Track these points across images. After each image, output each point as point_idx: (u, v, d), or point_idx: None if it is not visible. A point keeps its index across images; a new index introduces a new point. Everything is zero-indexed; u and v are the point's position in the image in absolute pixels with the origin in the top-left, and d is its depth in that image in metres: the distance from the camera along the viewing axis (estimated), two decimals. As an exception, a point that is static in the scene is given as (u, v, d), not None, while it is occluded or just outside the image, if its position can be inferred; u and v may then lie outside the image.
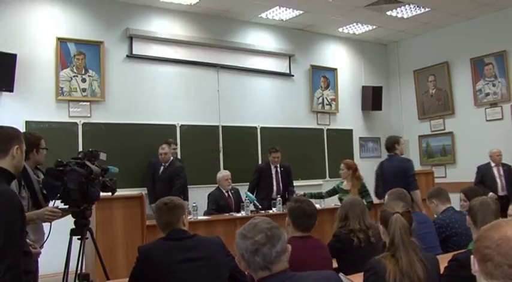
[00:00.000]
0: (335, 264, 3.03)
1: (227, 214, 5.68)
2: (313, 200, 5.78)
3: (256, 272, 1.66)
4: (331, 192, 5.78)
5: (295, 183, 6.73)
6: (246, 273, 2.43)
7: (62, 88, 6.07)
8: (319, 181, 7.94)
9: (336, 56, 8.67)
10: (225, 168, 6.97)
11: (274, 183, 6.37)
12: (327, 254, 2.81)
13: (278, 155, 6.35)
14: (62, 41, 6.09)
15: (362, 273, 2.20)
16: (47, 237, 2.98)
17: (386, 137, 5.83)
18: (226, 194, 6.03)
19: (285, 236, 1.72)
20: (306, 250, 2.53)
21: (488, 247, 1.13)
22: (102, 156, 3.25)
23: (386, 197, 3.68)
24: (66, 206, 3.07)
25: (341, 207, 3.35)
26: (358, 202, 3.31)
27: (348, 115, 8.67)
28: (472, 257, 1.20)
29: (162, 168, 6.18)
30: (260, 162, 7.44)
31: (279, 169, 6.42)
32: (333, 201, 6.49)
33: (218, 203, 5.94)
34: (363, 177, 5.60)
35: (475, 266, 1.18)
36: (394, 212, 2.20)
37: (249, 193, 5.89)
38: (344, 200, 3.55)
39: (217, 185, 6.13)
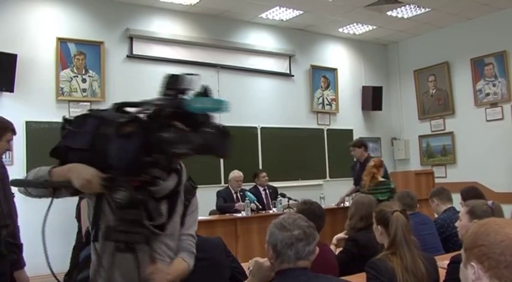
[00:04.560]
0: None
1: (228, 214, 5.69)
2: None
3: (282, 263, 1.71)
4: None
5: (295, 183, 6.72)
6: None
7: (62, 88, 6.06)
8: (320, 181, 7.94)
9: (336, 56, 8.67)
10: (225, 169, 6.96)
11: None
12: (333, 257, 2.79)
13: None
14: (62, 41, 6.08)
15: (361, 274, 2.19)
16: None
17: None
18: (234, 195, 6.03)
19: (318, 238, 1.78)
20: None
21: (503, 254, 1.11)
22: None
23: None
24: None
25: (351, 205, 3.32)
26: (365, 200, 3.23)
27: (348, 115, 8.67)
28: (473, 264, 1.15)
29: None
30: (261, 162, 7.44)
31: None
32: (333, 201, 6.51)
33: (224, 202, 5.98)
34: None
35: (477, 272, 1.14)
36: (393, 211, 2.20)
37: (249, 193, 5.88)
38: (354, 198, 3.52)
39: (227, 185, 6.18)
